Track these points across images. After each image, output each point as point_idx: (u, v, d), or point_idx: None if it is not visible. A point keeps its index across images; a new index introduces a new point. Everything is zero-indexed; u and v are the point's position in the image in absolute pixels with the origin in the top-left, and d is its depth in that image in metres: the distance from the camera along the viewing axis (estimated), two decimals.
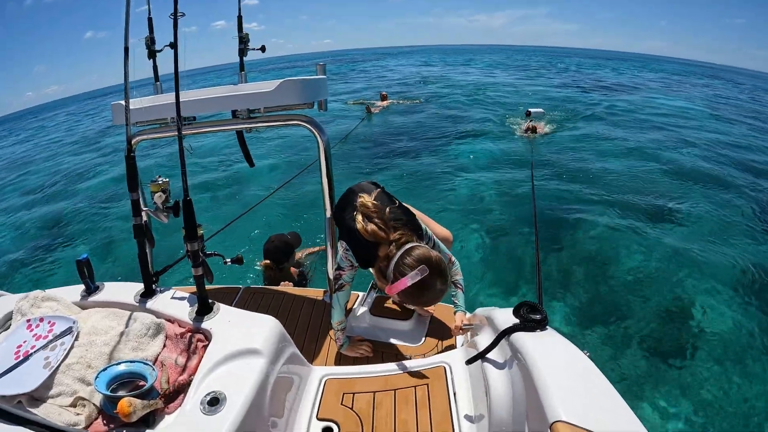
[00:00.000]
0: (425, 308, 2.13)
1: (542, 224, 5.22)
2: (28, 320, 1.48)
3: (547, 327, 1.29)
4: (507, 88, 19.30)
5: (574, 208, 5.81)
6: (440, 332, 2.07)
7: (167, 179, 1.55)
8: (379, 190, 1.82)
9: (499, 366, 1.30)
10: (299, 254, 3.50)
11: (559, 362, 1.10)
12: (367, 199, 1.70)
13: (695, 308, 3.84)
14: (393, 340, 2.06)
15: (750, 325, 3.63)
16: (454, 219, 5.42)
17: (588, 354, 1.17)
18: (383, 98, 14.61)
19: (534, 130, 10.23)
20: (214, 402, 1.19)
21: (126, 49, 1.55)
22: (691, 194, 6.42)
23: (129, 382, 1.27)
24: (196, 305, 1.48)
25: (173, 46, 2.00)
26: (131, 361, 1.29)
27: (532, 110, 12.43)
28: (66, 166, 11.91)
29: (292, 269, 3.05)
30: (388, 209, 1.70)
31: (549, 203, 5.88)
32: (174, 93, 1.94)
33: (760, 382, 3.07)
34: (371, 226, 1.64)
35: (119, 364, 1.28)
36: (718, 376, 3.13)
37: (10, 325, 1.53)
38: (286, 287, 2.59)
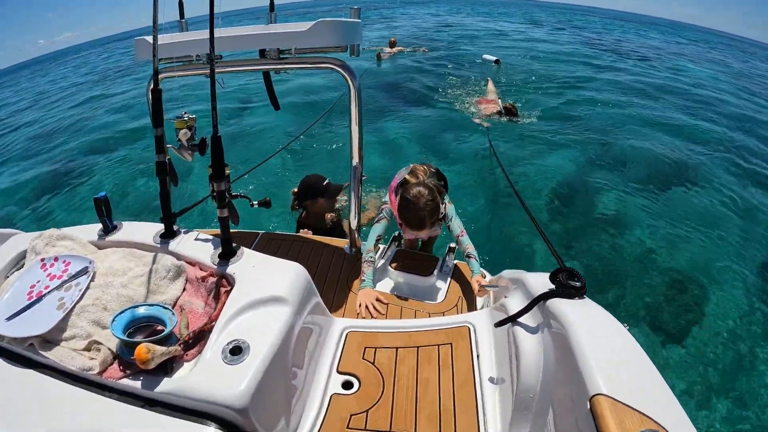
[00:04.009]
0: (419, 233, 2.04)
1: (547, 192, 4.96)
2: (42, 259, 1.34)
3: (585, 296, 1.15)
4: (520, 42, 17.68)
5: (580, 175, 5.45)
6: (460, 291, 1.94)
7: (194, 116, 1.39)
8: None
9: (531, 330, 1.18)
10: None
11: (600, 333, 0.99)
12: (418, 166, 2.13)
13: (705, 286, 3.61)
14: (413, 296, 1.93)
15: (762, 308, 3.42)
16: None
17: (627, 327, 1.05)
18: (392, 45, 13.42)
19: (512, 112, 6.89)
20: (236, 351, 1.05)
21: None
22: (710, 168, 5.94)
23: (146, 326, 1.13)
24: (219, 248, 1.33)
25: None
26: (150, 305, 1.14)
27: (490, 57, 11.20)
28: (81, 103, 11.56)
29: (327, 216, 2.87)
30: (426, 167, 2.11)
31: (551, 171, 5.49)
32: (203, 30, 1.76)
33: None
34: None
35: (138, 307, 1.13)
36: (724, 357, 2.96)
37: (24, 264, 1.41)
38: (306, 234, 2.44)
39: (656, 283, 3.61)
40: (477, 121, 7.00)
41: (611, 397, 0.81)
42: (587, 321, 1.02)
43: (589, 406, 0.82)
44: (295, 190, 2.82)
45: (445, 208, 2.00)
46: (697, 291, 3.53)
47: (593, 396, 0.83)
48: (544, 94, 9.06)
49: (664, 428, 0.75)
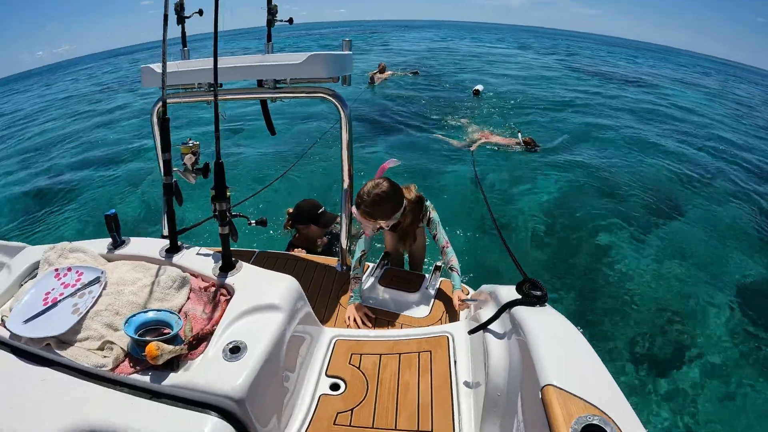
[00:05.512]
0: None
1: (535, 219, 5.12)
2: (56, 269, 1.48)
3: (546, 304, 1.30)
4: (512, 69, 17.74)
5: (569, 203, 5.59)
6: (444, 306, 2.08)
7: (197, 142, 1.55)
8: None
9: (499, 336, 1.32)
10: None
11: (554, 334, 1.13)
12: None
13: (689, 315, 3.69)
14: (399, 311, 2.05)
15: (744, 337, 3.51)
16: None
17: (581, 330, 1.19)
18: (382, 70, 13.22)
19: (531, 144, 7.18)
20: (235, 350, 1.20)
21: (165, 17, 1.56)
22: (693, 196, 6.10)
23: (154, 329, 1.27)
24: (220, 262, 1.48)
25: (201, 12, 1.97)
26: (158, 310, 1.29)
27: (479, 88, 11.22)
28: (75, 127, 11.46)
29: (318, 241, 3.01)
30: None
31: (534, 200, 5.66)
32: (206, 59, 1.93)
33: (750, 396, 2.97)
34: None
35: (147, 311, 1.28)
36: (708, 388, 3.02)
37: (37, 274, 1.53)
38: (300, 253, 2.58)
39: (643, 311, 3.70)
40: (471, 148, 7.20)
41: (559, 387, 0.93)
42: (544, 324, 1.16)
43: (540, 396, 0.95)
44: (290, 210, 2.97)
45: (429, 213, 2.11)
46: (684, 319, 3.63)
47: (543, 386, 0.95)
48: (529, 121, 9.21)
49: (606, 414, 0.86)
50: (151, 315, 1.27)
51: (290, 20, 2.18)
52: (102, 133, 9.87)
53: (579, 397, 0.90)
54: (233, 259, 1.49)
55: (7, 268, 1.57)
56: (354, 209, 1.95)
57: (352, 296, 2.03)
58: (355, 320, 1.96)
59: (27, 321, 1.32)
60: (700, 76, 26.77)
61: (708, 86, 21.09)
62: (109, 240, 1.62)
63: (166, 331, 1.26)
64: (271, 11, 2.07)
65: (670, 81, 19.96)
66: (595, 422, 0.83)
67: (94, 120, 11.52)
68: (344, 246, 2.25)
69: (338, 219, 2.95)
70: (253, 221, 1.62)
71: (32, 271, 1.56)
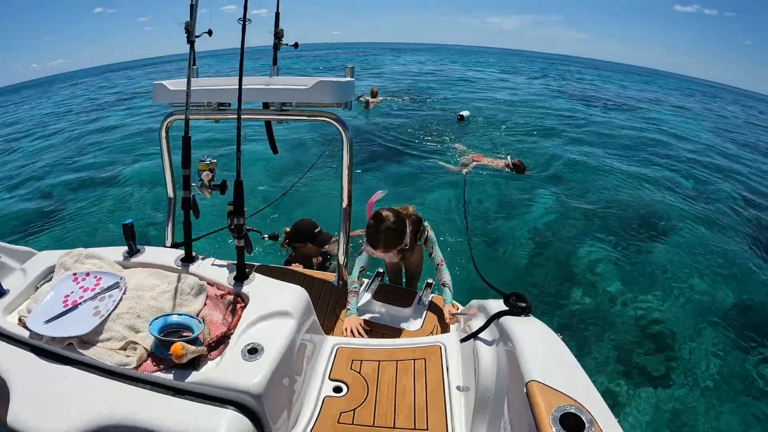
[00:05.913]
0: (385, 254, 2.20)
1: (525, 242, 5.28)
2: (74, 274, 1.55)
3: (530, 314, 1.45)
4: (502, 93, 18.05)
5: (553, 225, 5.77)
6: (436, 321, 2.21)
7: (215, 160, 1.66)
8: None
9: (488, 343, 1.47)
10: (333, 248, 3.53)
11: (537, 339, 1.28)
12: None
13: (671, 331, 3.83)
14: (393, 324, 2.18)
15: (725, 353, 3.64)
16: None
17: (560, 336, 1.35)
18: (374, 94, 13.34)
19: (520, 168, 7.33)
20: (253, 351, 1.30)
21: (191, 43, 1.69)
22: (678, 218, 6.29)
23: (174, 332, 1.36)
24: (234, 272, 1.58)
25: (210, 33, 2.08)
26: (180, 314, 1.38)
27: (464, 113, 11.37)
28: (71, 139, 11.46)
29: (314, 259, 3.13)
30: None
31: (527, 216, 5.87)
32: (217, 78, 2.04)
33: (727, 410, 3.08)
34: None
35: (171, 315, 1.37)
36: (688, 403, 3.13)
37: (52, 277, 1.59)
38: (297, 268, 2.67)
39: (626, 330, 3.86)
40: (463, 171, 7.39)
41: (541, 383, 1.07)
42: (529, 330, 1.31)
43: (525, 390, 1.08)
44: (288, 229, 3.08)
45: (427, 233, 2.25)
46: (666, 336, 3.80)
47: (528, 382, 1.09)
48: (521, 150, 9.28)
49: (581, 404, 1.00)
50: (174, 318, 1.36)
51: (296, 44, 2.29)
52: (94, 148, 9.83)
53: (558, 391, 1.04)
54: (247, 270, 1.59)
55: (22, 270, 1.63)
56: (370, 249, 2.13)
57: (349, 309, 2.14)
58: (352, 331, 2.06)
59: (48, 321, 1.39)
60: (687, 98, 27.68)
61: (695, 109, 21.72)
62: (124, 248, 1.71)
63: (186, 333, 1.35)
64: (278, 35, 2.18)
65: (657, 104, 20.53)
66: (572, 411, 0.98)
67: (87, 137, 11.41)
68: (341, 262, 2.35)
69: (333, 238, 3.07)
70: (266, 236, 1.73)
71: (47, 275, 1.62)
